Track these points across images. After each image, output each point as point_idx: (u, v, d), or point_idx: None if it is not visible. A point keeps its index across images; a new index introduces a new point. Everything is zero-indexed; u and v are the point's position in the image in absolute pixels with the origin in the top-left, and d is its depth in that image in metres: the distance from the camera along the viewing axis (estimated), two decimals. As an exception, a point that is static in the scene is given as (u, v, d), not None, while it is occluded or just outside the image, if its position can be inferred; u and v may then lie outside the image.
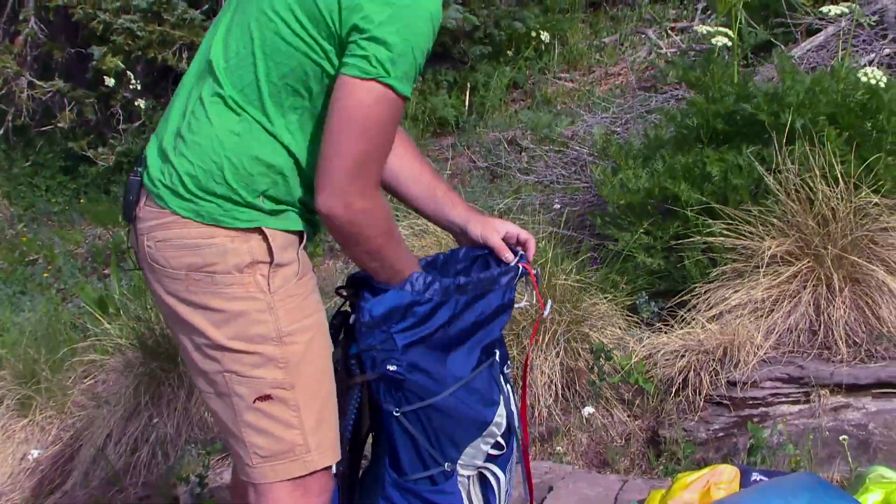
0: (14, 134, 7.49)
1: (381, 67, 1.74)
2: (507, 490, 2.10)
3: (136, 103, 6.73)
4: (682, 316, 3.41)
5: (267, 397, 1.87)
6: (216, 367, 1.89)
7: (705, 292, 3.39)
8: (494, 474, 2.05)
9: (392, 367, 1.92)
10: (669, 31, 6.44)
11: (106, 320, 4.20)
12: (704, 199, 3.45)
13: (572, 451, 3.32)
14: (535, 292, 2.19)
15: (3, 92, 7.04)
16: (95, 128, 7.28)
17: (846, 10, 3.61)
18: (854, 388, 3.13)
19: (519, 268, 2.09)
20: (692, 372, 3.25)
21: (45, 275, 5.88)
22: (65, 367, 4.14)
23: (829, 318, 3.22)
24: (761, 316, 3.29)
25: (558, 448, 3.32)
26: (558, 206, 4.54)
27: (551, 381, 3.38)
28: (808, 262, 3.29)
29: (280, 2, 1.79)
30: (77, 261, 6.07)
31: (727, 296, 3.34)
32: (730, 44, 3.69)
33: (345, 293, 2.11)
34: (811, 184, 3.26)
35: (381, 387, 1.96)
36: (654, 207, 3.67)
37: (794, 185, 3.28)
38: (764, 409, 3.19)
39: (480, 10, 6.48)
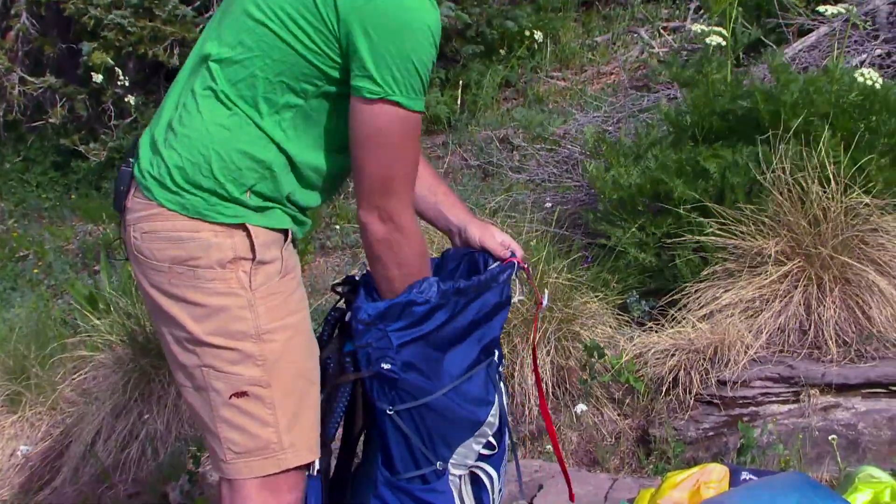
0: (5, 129, 7.46)
1: (386, 86, 1.76)
2: (500, 489, 2.11)
3: (126, 99, 6.71)
4: (673, 315, 3.42)
5: (243, 394, 1.88)
6: (195, 361, 1.89)
7: (696, 291, 3.40)
8: (487, 473, 2.05)
9: (387, 366, 1.92)
10: (662, 31, 6.44)
11: (96, 316, 4.19)
12: (698, 196, 3.45)
13: (562, 450, 3.31)
14: (531, 286, 2.21)
15: (-6, 87, 7.03)
16: (87, 124, 7.25)
17: (842, 11, 3.62)
18: (844, 388, 3.14)
19: (515, 263, 2.11)
20: (682, 371, 3.25)
21: (36, 271, 5.86)
22: (54, 363, 4.12)
23: (820, 318, 3.23)
24: (752, 315, 3.30)
25: (548, 446, 3.32)
26: (550, 205, 4.55)
27: (542, 380, 3.38)
28: (799, 261, 3.30)
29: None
30: (67, 257, 6.04)
31: (718, 295, 3.35)
32: (724, 43, 3.70)
33: (340, 290, 2.11)
34: (804, 184, 3.27)
35: (375, 385, 1.96)
36: (646, 205, 3.67)
37: (787, 184, 3.29)
38: (754, 408, 3.20)
39: (472, 8, 6.47)
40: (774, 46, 4.96)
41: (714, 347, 3.24)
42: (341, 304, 2.14)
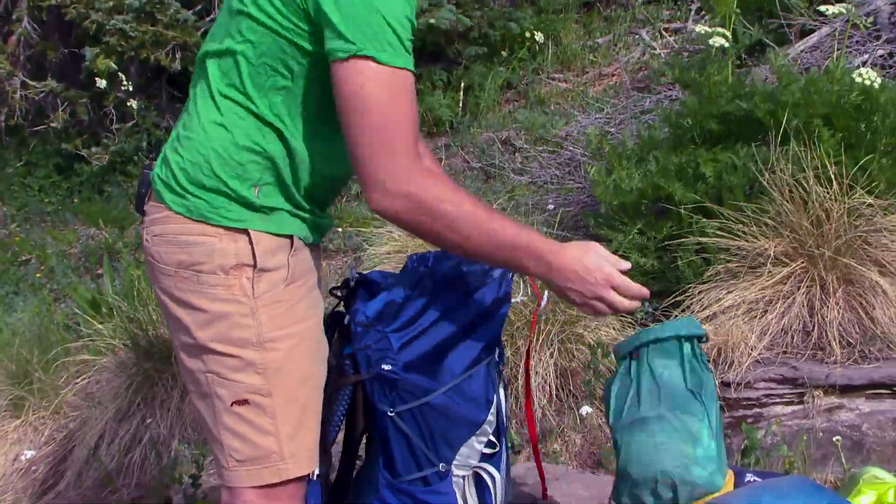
0: (7, 134, 7.49)
1: (357, 42, 1.69)
2: (503, 489, 2.10)
3: (128, 103, 6.72)
4: (676, 316, 3.41)
5: (244, 402, 1.86)
6: (200, 367, 1.89)
7: (699, 293, 3.39)
8: (490, 474, 2.04)
9: (387, 367, 1.91)
10: (663, 32, 6.44)
11: (98, 320, 4.20)
12: (699, 198, 3.44)
13: (566, 452, 3.31)
14: (530, 286, 2.20)
15: (-3, 92, 7.05)
16: (89, 128, 7.27)
17: (843, 11, 3.62)
18: (848, 389, 3.14)
19: None
20: (686, 372, 3.24)
21: (38, 275, 5.87)
22: (57, 367, 4.13)
23: (823, 319, 3.23)
24: (755, 317, 3.29)
25: (552, 448, 3.32)
26: (552, 207, 4.55)
27: (545, 382, 3.38)
28: (802, 262, 3.29)
29: None
30: (70, 261, 6.05)
31: (721, 296, 3.34)
32: (727, 45, 3.69)
33: (339, 294, 2.10)
34: (805, 184, 3.26)
35: (376, 386, 1.95)
36: (647, 208, 3.67)
37: (789, 185, 3.28)
38: (758, 409, 3.19)
39: (474, 11, 6.48)
40: (776, 47, 4.96)
41: (717, 349, 3.23)
42: (340, 307, 2.14)
